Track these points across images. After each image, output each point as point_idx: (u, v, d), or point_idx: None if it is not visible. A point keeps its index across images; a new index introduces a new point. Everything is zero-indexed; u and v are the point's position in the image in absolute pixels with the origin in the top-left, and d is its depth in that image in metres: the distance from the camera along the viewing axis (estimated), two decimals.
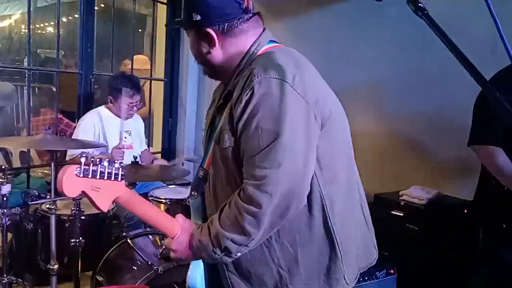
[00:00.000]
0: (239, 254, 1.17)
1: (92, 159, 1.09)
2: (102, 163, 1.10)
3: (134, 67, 3.84)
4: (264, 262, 1.24)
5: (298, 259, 1.23)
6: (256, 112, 1.12)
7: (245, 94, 1.14)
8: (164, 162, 3.22)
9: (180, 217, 1.26)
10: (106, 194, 1.11)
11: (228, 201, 1.16)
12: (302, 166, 1.11)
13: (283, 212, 1.11)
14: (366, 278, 2.20)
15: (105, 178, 1.10)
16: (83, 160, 1.07)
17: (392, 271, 2.33)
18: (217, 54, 1.28)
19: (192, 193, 1.37)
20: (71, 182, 1.06)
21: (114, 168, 1.11)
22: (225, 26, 1.24)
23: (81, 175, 1.07)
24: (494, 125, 1.86)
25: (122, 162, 1.16)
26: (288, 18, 3.47)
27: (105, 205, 1.12)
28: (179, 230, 1.22)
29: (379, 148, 3.05)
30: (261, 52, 1.27)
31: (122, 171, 1.13)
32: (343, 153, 1.29)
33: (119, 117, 3.01)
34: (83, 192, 1.09)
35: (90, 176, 1.08)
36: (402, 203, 2.48)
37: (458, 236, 2.36)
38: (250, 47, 1.27)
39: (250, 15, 1.27)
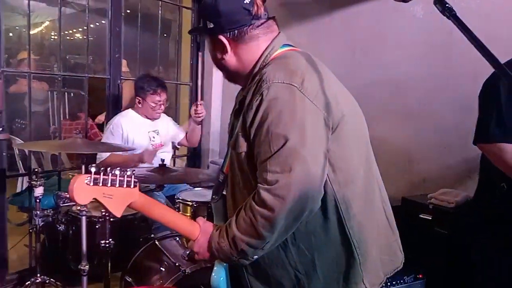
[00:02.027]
0: (255, 257, 1.19)
1: (102, 169, 1.13)
2: (113, 172, 1.14)
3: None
4: (281, 266, 1.25)
5: (315, 263, 1.24)
6: (266, 117, 1.13)
7: (256, 99, 1.16)
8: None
9: (200, 219, 1.29)
10: (119, 201, 1.15)
11: (243, 204, 1.18)
12: (313, 170, 1.12)
13: (297, 216, 1.12)
14: (394, 282, 2.18)
15: (117, 185, 1.14)
16: (93, 169, 1.12)
17: (420, 276, 2.30)
18: (231, 60, 1.31)
19: (214, 196, 1.41)
20: (82, 190, 1.10)
21: (126, 176, 1.16)
22: (236, 33, 1.27)
23: (91, 184, 1.11)
24: (502, 119, 1.76)
25: (134, 170, 1.19)
26: (310, 20, 3.47)
27: (118, 211, 1.16)
28: (199, 232, 1.25)
29: (405, 150, 3.00)
30: (273, 56, 1.29)
31: (134, 178, 1.17)
32: (359, 155, 1.28)
33: (147, 118, 3.08)
34: (95, 199, 1.13)
35: (100, 185, 1.12)
36: (430, 206, 2.44)
37: None
38: (263, 52, 1.29)
39: (262, 21, 1.29)
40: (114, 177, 1.14)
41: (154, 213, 1.25)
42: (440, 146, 2.84)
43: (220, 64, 1.35)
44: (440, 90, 2.81)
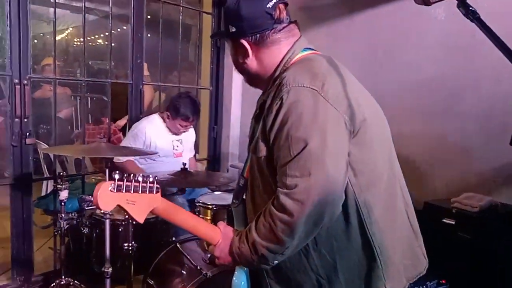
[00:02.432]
0: (276, 262, 1.18)
1: (126, 175, 1.16)
2: (136, 178, 1.16)
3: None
4: (303, 270, 1.25)
5: (337, 268, 1.23)
6: (286, 120, 1.13)
7: (275, 103, 1.16)
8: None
9: (221, 224, 1.30)
10: (142, 207, 1.17)
11: (263, 209, 1.18)
12: (333, 174, 1.10)
13: (317, 221, 1.11)
14: None
15: (140, 192, 1.16)
16: (116, 176, 1.14)
17: (443, 281, 2.26)
18: (252, 63, 1.32)
19: (234, 201, 1.41)
20: (106, 197, 1.12)
21: (148, 182, 1.17)
22: (258, 37, 1.28)
23: (115, 191, 1.13)
24: None
25: (156, 176, 1.22)
26: (330, 23, 3.47)
27: (141, 217, 1.18)
28: (220, 237, 1.26)
29: (427, 153, 2.97)
30: (294, 60, 1.29)
31: (156, 184, 1.19)
32: (381, 159, 1.27)
33: (171, 131, 3.11)
34: (118, 205, 1.15)
35: (124, 191, 1.14)
36: (453, 211, 2.40)
37: None
38: (284, 56, 1.29)
39: (284, 25, 1.30)
40: (137, 183, 1.16)
41: (176, 218, 1.27)
42: (463, 149, 2.80)
43: (242, 68, 1.36)
44: (463, 92, 2.77)
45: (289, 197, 1.10)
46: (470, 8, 0.96)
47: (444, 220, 2.41)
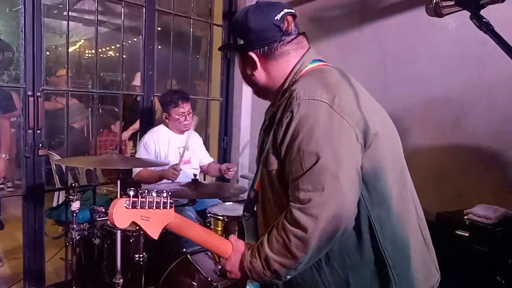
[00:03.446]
0: (288, 277, 1.17)
1: (140, 191, 1.16)
2: (150, 194, 1.16)
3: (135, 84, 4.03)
4: (315, 285, 1.23)
5: (349, 283, 1.21)
6: (297, 134, 1.12)
7: (286, 116, 1.15)
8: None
9: (232, 237, 1.28)
10: (156, 222, 1.17)
11: (275, 223, 1.17)
12: (346, 188, 1.09)
13: (331, 236, 1.10)
14: None
15: (154, 207, 1.16)
16: (131, 193, 1.14)
17: None
18: (261, 76, 1.32)
19: (245, 214, 1.40)
20: (121, 214, 1.13)
21: (162, 197, 1.17)
22: (266, 50, 1.28)
23: (130, 207, 1.13)
24: None
25: (170, 192, 1.21)
26: (340, 34, 3.47)
27: (155, 233, 1.18)
28: (232, 251, 1.25)
29: (439, 164, 2.94)
30: (303, 72, 1.28)
31: (170, 199, 1.19)
32: (393, 172, 1.24)
33: (178, 132, 3.13)
34: (133, 222, 1.15)
35: (139, 207, 1.14)
36: (467, 223, 2.36)
37: None
38: (293, 67, 1.29)
39: (292, 36, 1.29)
40: (151, 199, 1.16)
41: (189, 233, 1.26)
42: (476, 159, 2.77)
43: (250, 80, 1.36)
44: (475, 103, 2.75)
45: (303, 211, 1.09)
46: (484, 20, 0.95)
47: (458, 232, 2.37)
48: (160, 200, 1.17)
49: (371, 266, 1.21)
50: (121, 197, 1.16)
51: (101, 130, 4.89)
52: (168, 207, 1.18)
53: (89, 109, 5.06)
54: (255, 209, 1.37)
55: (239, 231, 2.54)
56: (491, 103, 2.69)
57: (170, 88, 3.76)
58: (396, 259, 1.21)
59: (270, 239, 1.16)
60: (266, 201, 1.29)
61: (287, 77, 1.29)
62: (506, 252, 2.23)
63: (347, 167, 1.11)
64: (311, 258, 1.14)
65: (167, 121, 3.14)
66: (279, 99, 1.27)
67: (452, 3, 1.04)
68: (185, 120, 3.11)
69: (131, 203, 1.13)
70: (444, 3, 1.07)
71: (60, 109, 4.31)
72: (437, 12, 1.08)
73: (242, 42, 1.30)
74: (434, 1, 1.07)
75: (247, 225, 1.42)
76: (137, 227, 1.18)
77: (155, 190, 1.17)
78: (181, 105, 3.06)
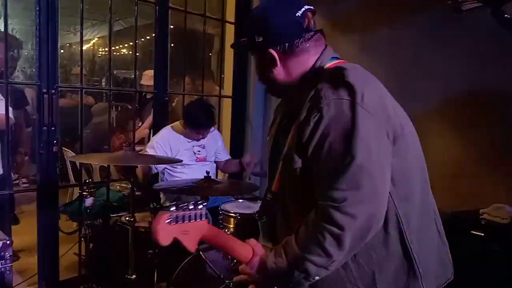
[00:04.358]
0: (317, 277, 1.16)
1: (179, 205, 1.15)
2: (188, 207, 1.15)
3: (143, 82, 4.08)
4: (340, 283, 1.22)
5: (375, 279, 1.21)
6: (327, 134, 1.11)
7: (314, 115, 1.14)
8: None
9: (252, 241, 1.27)
10: (193, 235, 1.17)
11: (304, 223, 1.16)
12: (380, 187, 1.11)
13: (365, 233, 1.11)
14: None
15: (191, 220, 1.15)
16: (173, 208, 1.13)
17: None
18: (280, 73, 1.29)
19: (261, 215, 1.38)
20: (165, 231, 1.11)
21: (198, 209, 1.17)
22: (287, 46, 1.25)
23: (172, 223, 1.12)
24: None
25: (205, 203, 1.20)
26: (356, 32, 3.44)
27: (193, 246, 1.17)
28: (252, 254, 1.23)
29: (455, 163, 2.90)
30: (326, 69, 1.27)
31: (205, 210, 1.18)
32: (416, 168, 1.26)
33: (191, 138, 3.12)
34: (175, 238, 1.13)
35: (179, 222, 1.13)
36: (483, 222, 2.34)
37: None
38: (313, 65, 1.27)
39: (312, 33, 1.27)
40: (189, 212, 1.15)
41: (218, 242, 1.26)
42: (493, 159, 2.73)
43: (267, 78, 1.33)
44: (493, 103, 2.71)
45: (339, 210, 1.08)
46: (506, 15, 0.94)
47: (473, 232, 2.35)
48: (197, 212, 1.17)
49: (398, 261, 1.22)
50: (161, 212, 1.14)
51: (117, 129, 4.92)
52: (203, 218, 1.18)
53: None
54: (273, 211, 1.35)
55: (252, 228, 2.54)
56: (509, 102, 2.65)
57: (183, 87, 3.75)
58: (421, 254, 1.22)
59: (299, 239, 1.15)
60: (288, 201, 1.28)
61: (307, 74, 1.28)
62: None
63: (381, 166, 1.12)
64: (343, 258, 1.14)
65: (186, 128, 3.08)
66: (298, 96, 1.25)
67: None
68: (197, 138, 3.09)
69: (172, 218, 1.12)
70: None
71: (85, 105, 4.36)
72: (456, 8, 1.07)
73: (261, 39, 1.26)
74: None
75: (263, 226, 1.40)
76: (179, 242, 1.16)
77: (192, 202, 1.17)
78: (201, 132, 3.03)
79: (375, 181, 1.09)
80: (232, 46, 1.84)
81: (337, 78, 1.18)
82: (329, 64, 1.28)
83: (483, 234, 2.31)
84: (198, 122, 3.00)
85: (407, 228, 1.19)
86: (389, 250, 1.20)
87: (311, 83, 1.22)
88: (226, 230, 2.68)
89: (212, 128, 3.16)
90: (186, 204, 1.16)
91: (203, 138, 3.11)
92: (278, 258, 1.17)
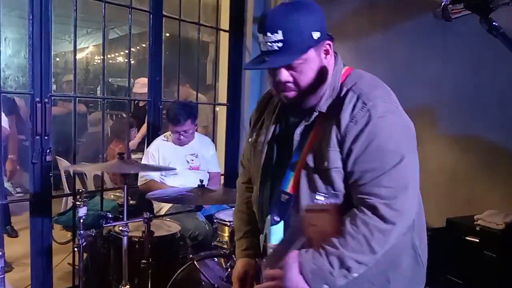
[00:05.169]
0: (355, 275, 1.19)
1: None
2: None
3: (135, 91, 4.05)
4: (359, 281, 1.24)
5: (388, 273, 1.27)
6: (375, 135, 1.17)
7: (361, 116, 1.18)
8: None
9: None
10: None
11: (346, 222, 1.18)
12: (418, 185, 1.23)
13: (404, 230, 1.21)
14: None
15: None
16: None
17: None
18: (329, 68, 1.28)
19: (275, 218, 1.34)
20: None
21: None
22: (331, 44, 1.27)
23: None
24: None
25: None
26: (349, 38, 3.45)
27: None
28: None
29: (449, 170, 2.90)
30: (344, 73, 1.29)
31: None
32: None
33: (177, 144, 3.12)
34: None
35: None
36: (477, 228, 2.33)
37: None
38: (334, 67, 1.29)
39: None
40: None
41: None
42: (487, 165, 2.73)
43: (318, 78, 1.25)
44: (487, 108, 2.72)
45: (389, 207, 1.15)
46: (494, 23, 0.94)
47: (468, 238, 2.34)
48: None
49: (408, 257, 1.30)
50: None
51: (113, 138, 4.89)
52: None
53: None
54: (288, 213, 1.32)
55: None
56: (503, 108, 2.65)
57: (177, 95, 3.76)
58: (422, 250, 1.34)
59: (345, 238, 1.17)
60: (311, 201, 1.28)
61: (330, 75, 1.28)
62: None
63: (417, 166, 1.24)
64: (382, 254, 1.19)
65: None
66: (326, 98, 1.26)
67: (461, 7, 1.03)
68: (178, 138, 3.10)
69: None
70: (453, 7, 1.06)
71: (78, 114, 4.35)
72: (445, 16, 1.07)
73: (318, 34, 1.21)
74: (442, 5, 1.06)
75: (274, 229, 1.35)
76: None
77: None
78: (178, 125, 3.05)
79: (416, 181, 1.21)
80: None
81: (370, 82, 1.26)
82: (346, 68, 1.31)
83: (478, 240, 2.31)
84: (173, 114, 3.03)
85: (417, 226, 1.30)
86: (401, 246, 1.27)
87: (338, 86, 1.26)
88: (220, 239, 2.67)
89: (193, 125, 3.14)
90: None
91: (187, 137, 3.10)
92: (317, 258, 1.18)
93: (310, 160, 1.25)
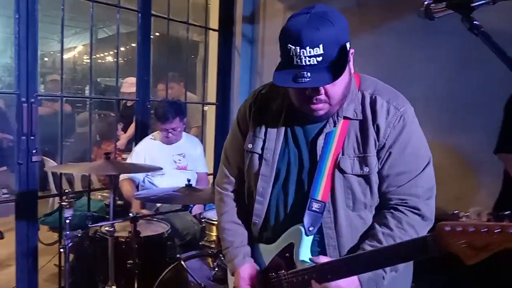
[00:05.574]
0: (394, 274, 1.25)
1: None
2: None
3: (123, 90, 4.03)
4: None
5: (385, 272, 1.30)
6: (409, 139, 1.26)
7: (397, 121, 1.26)
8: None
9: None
10: None
11: (392, 226, 1.24)
12: None
13: None
14: None
15: None
16: None
17: None
18: (350, 75, 1.29)
19: (309, 228, 1.29)
20: None
21: None
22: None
23: None
24: None
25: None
26: None
27: None
28: None
29: (437, 168, 2.91)
30: (356, 77, 1.33)
31: None
32: None
33: (165, 143, 3.11)
34: None
35: None
36: None
37: None
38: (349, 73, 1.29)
39: None
40: None
41: None
42: (474, 163, 2.75)
43: (348, 86, 1.26)
44: (474, 106, 2.74)
45: (427, 205, 1.27)
46: (475, 22, 0.95)
47: None
48: None
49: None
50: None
51: (103, 138, 4.86)
52: None
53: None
54: (320, 221, 1.29)
55: None
56: (490, 106, 2.67)
57: (166, 94, 3.75)
58: None
59: (395, 241, 1.22)
60: (349, 207, 1.28)
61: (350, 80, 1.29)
62: (503, 257, 2.21)
63: None
64: None
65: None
66: (344, 103, 1.27)
67: (443, 6, 1.03)
68: (166, 136, 3.09)
69: None
70: (435, 6, 1.06)
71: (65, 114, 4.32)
72: (428, 15, 1.08)
73: (349, 45, 1.20)
74: (425, 4, 1.06)
75: (306, 240, 1.31)
76: None
77: None
78: (166, 122, 3.03)
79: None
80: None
81: (388, 87, 1.37)
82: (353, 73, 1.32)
83: None
84: (160, 112, 3.03)
85: None
86: None
87: (355, 89, 1.30)
88: (208, 238, 2.66)
89: (181, 124, 3.13)
90: None
91: (175, 136, 3.09)
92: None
93: (346, 166, 1.26)
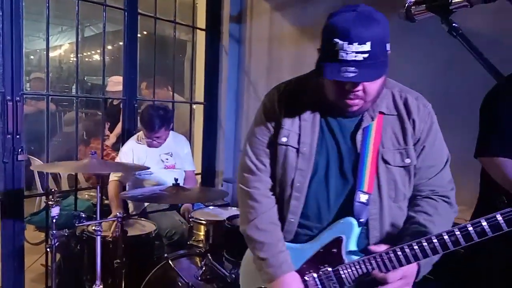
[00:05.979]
0: None
1: None
2: None
3: (108, 89, 4.05)
4: None
5: None
6: (436, 134, 1.39)
7: (427, 118, 1.38)
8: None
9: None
10: None
11: (426, 212, 1.36)
12: None
13: None
14: None
15: None
16: None
17: None
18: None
19: (360, 220, 1.31)
20: None
21: None
22: None
23: None
24: (503, 133, 1.76)
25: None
26: (318, 39, 3.49)
27: None
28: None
29: None
30: None
31: None
32: None
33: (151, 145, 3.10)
34: None
35: None
36: None
37: None
38: None
39: None
40: None
41: None
42: (457, 164, 2.79)
43: (378, 88, 1.31)
44: (458, 108, 2.78)
45: (453, 195, 1.41)
46: (454, 24, 0.97)
47: None
48: None
49: None
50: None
51: (90, 137, 4.82)
52: None
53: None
54: (367, 213, 1.32)
55: (221, 236, 2.53)
56: (472, 107, 2.71)
57: (153, 94, 3.74)
58: None
59: (436, 230, 1.27)
60: (390, 199, 1.34)
61: None
62: (484, 253, 2.26)
63: None
64: None
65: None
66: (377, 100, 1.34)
67: (423, 8, 1.06)
68: (151, 143, 3.08)
69: None
70: (416, 9, 1.09)
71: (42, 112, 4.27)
72: (409, 16, 1.10)
73: (389, 46, 1.24)
74: (406, 6, 1.09)
75: (357, 232, 1.33)
76: None
77: None
78: (152, 132, 3.01)
79: None
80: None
81: (411, 89, 1.48)
82: None
83: None
84: (146, 119, 3.01)
85: None
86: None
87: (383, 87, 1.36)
88: (196, 238, 2.67)
89: (166, 132, 3.13)
90: None
91: (159, 142, 3.09)
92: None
93: (389, 158, 1.33)
